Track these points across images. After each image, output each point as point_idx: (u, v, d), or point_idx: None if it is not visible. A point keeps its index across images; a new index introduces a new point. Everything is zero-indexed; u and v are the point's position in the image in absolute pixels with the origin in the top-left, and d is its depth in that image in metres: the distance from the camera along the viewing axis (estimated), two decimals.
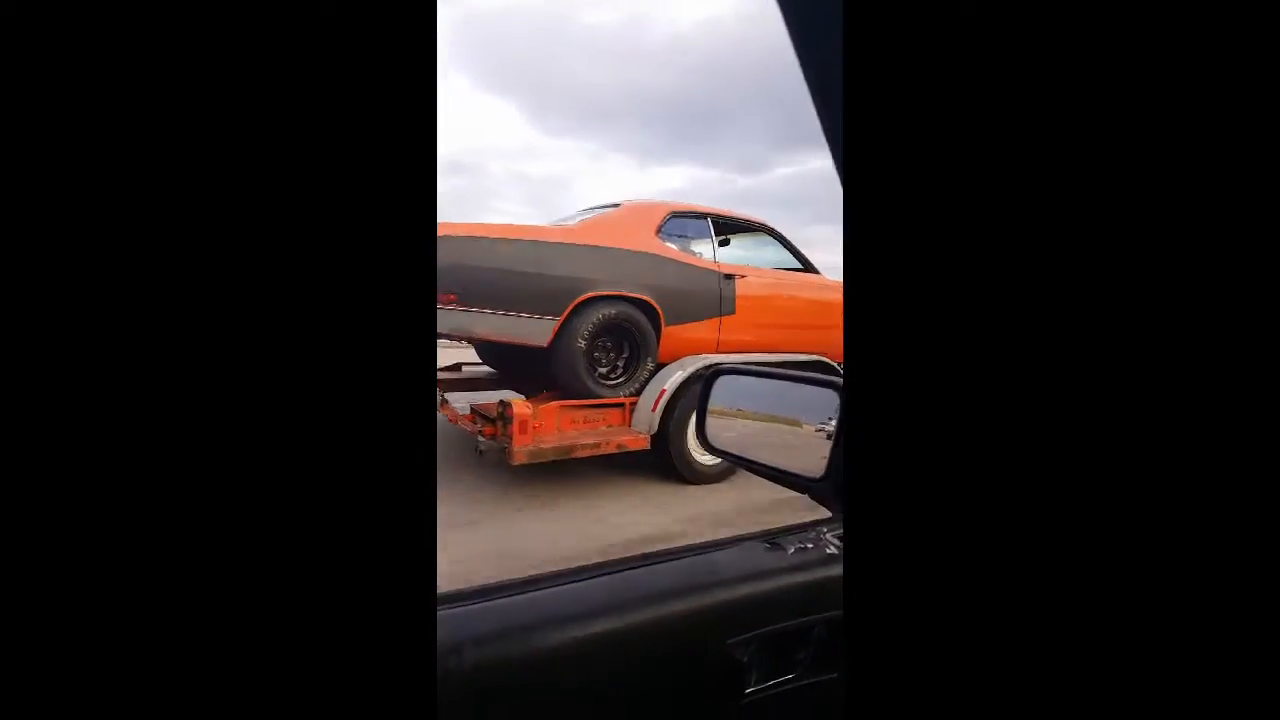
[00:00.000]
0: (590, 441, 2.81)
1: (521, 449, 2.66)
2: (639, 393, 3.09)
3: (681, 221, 3.50)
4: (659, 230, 3.27)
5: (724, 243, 3.99)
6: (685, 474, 3.11)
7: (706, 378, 0.71)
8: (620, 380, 3.13)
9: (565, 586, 0.56)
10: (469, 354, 4.37)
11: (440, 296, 2.60)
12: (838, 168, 0.36)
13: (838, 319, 3.80)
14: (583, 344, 2.93)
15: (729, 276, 3.43)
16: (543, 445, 2.70)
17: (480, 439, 2.81)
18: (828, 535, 0.69)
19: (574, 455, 2.78)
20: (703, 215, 3.52)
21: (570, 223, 3.28)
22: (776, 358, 3.49)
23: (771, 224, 3.85)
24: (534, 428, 2.78)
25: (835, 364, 3.66)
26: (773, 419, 0.70)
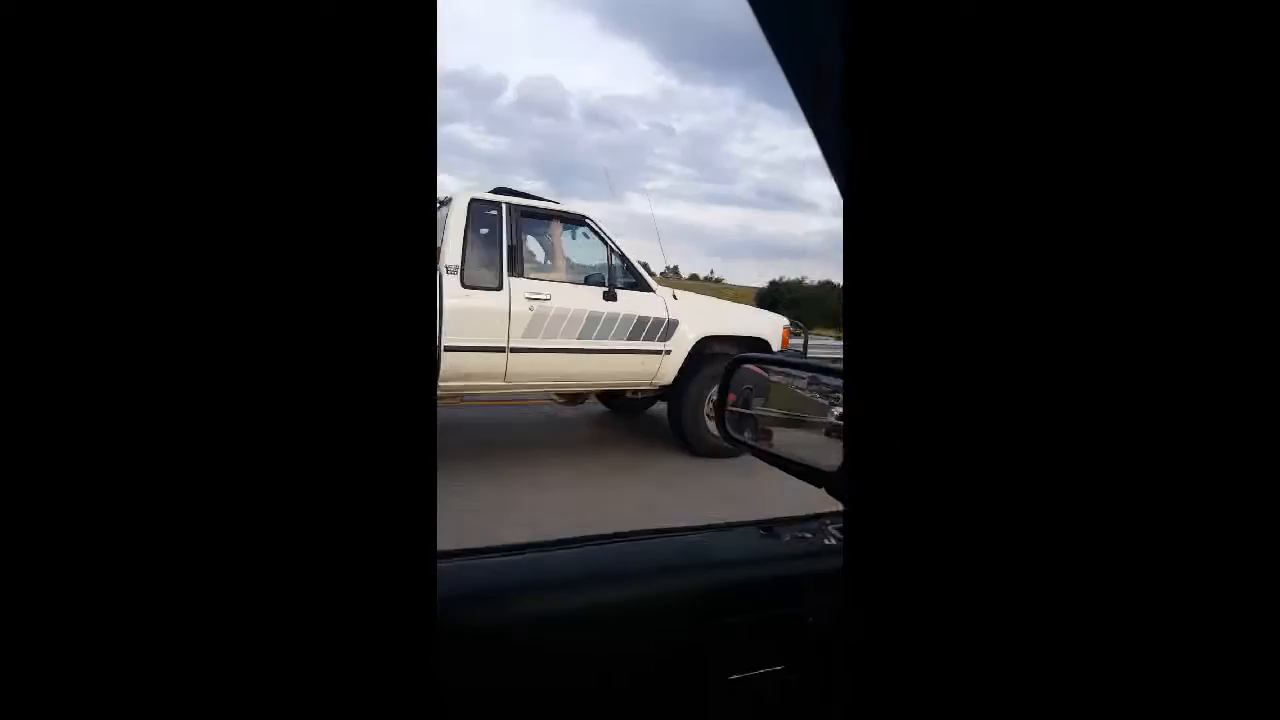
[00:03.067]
0: None
1: None
2: None
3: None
4: None
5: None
6: None
7: (727, 367, 0.74)
8: None
9: (565, 552, 0.61)
10: None
11: None
12: (833, 174, 0.42)
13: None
14: None
15: None
16: None
17: None
18: (830, 528, 0.69)
19: None
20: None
21: None
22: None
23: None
24: None
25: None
26: (793, 411, 0.70)
